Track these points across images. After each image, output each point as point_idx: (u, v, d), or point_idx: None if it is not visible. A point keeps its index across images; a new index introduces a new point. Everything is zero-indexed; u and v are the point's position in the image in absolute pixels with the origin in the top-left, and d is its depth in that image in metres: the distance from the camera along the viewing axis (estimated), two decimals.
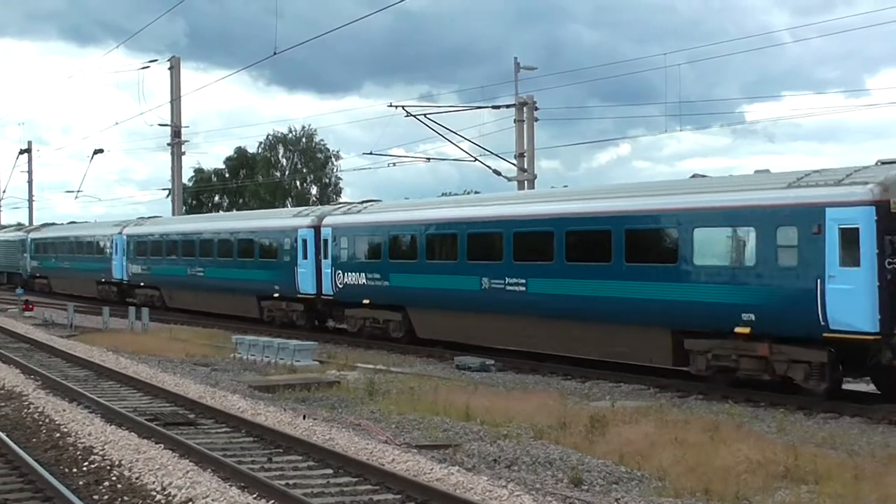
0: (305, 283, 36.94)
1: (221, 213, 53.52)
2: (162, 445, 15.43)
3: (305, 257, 36.69)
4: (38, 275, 69.86)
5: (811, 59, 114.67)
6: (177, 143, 56.12)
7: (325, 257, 35.96)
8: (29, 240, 71.59)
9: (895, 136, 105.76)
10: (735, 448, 15.60)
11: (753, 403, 21.13)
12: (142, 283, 51.64)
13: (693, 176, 26.12)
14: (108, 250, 55.91)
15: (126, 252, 52.82)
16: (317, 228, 36.50)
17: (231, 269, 42.16)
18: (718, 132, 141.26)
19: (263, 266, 39.85)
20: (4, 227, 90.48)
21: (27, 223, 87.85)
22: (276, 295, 38.97)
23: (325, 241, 36.01)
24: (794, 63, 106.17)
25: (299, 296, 37.49)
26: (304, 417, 18.32)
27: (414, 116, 41.36)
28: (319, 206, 40.40)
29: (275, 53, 23.68)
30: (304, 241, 36.85)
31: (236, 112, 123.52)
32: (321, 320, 38.56)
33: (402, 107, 41.41)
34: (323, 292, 36.04)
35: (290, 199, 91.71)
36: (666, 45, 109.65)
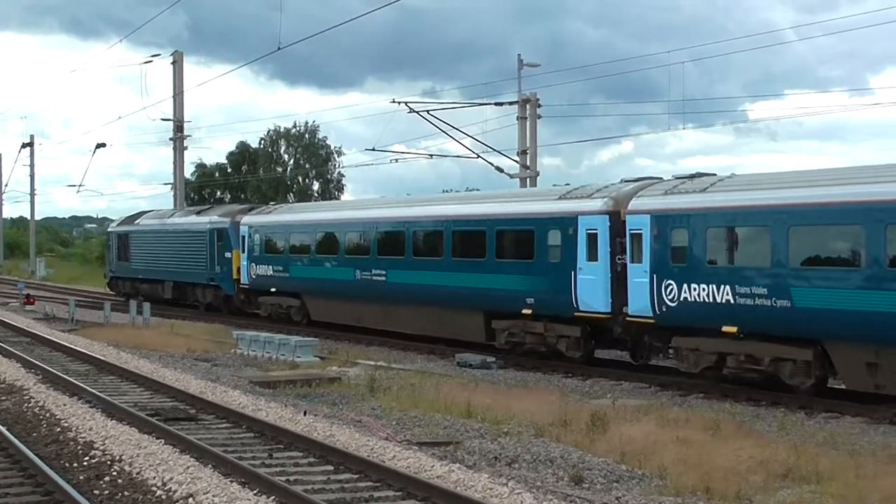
0: (590, 294, 25.65)
1: (416, 196, 38.70)
2: (163, 441, 15.43)
3: (593, 258, 25.52)
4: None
5: (815, 57, 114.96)
6: (179, 137, 56.11)
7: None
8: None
9: None
10: (736, 447, 15.61)
11: (754, 402, 21.12)
12: (272, 289, 40.03)
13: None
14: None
15: (248, 248, 41.11)
16: (616, 214, 25.22)
17: (442, 271, 30.57)
18: (721, 130, 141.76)
19: (507, 269, 28.43)
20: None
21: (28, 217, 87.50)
22: (528, 311, 27.56)
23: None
24: (797, 61, 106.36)
25: (580, 314, 25.99)
26: (304, 413, 18.32)
27: (417, 112, 41.33)
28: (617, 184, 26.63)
29: (279, 48, 23.68)
30: (589, 235, 25.70)
31: (238, 106, 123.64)
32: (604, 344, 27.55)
33: (405, 103, 41.38)
34: (634, 312, 24.37)
35: (291, 195, 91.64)
36: (668, 42, 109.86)
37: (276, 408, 19.01)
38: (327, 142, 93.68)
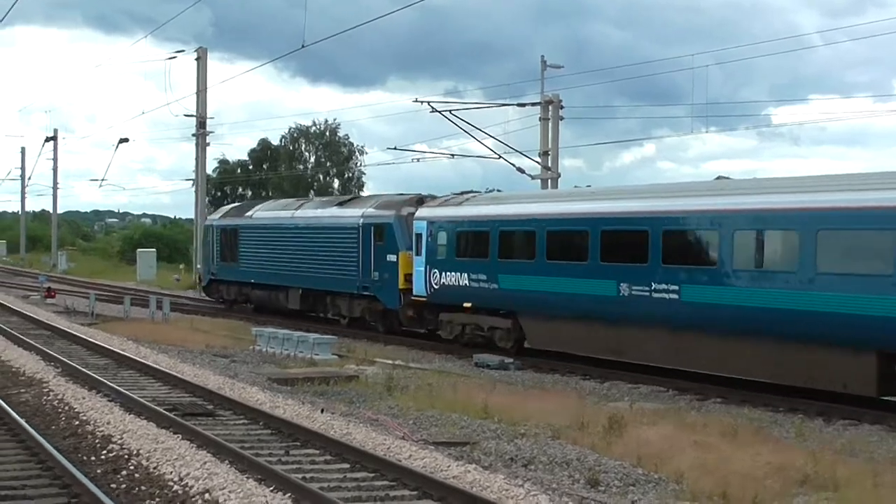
0: None
1: (734, 180, 25.75)
2: (180, 436, 15.46)
3: None
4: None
5: (840, 62, 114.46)
6: (202, 133, 56.26)
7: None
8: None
9: None
10: (753, 452, 15.57)
11: (772, 408, 21.05)
12: (466, 305, 30.79)
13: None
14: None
15: (428, 249, 32.15)
16: None
17: (803, 290, 20.70)
18: (744, 134, 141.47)
19: None
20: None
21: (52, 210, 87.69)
22: None
23: None
24: (822, 66, 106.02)
25: None
26: (322, 411, 18.34)
27: (439, 112, 41.36)
28: None
29: (303, 46, 23.65)
30: None
31: (261, 103, 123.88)
32: None
33: (428, 102, 41.41)
34: None
35: (311, 193, 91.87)
36: (692, 45, 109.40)
37: (293, 405, 19.03)
38: (349, 140, 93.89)
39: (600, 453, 15.55)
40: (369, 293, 35.13)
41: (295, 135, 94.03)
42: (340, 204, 39.15)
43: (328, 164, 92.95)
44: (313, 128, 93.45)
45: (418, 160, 49.59)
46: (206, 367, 25.48)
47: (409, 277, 32.77)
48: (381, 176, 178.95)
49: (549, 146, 43.07)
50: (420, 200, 33.96)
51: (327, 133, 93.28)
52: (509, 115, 45.12)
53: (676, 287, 23.42)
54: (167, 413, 17.40)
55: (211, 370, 24.62)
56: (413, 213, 33.22)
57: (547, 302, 27.55)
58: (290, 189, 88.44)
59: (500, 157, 43.63)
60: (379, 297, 34.62)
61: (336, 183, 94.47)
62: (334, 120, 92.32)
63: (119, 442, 14.95)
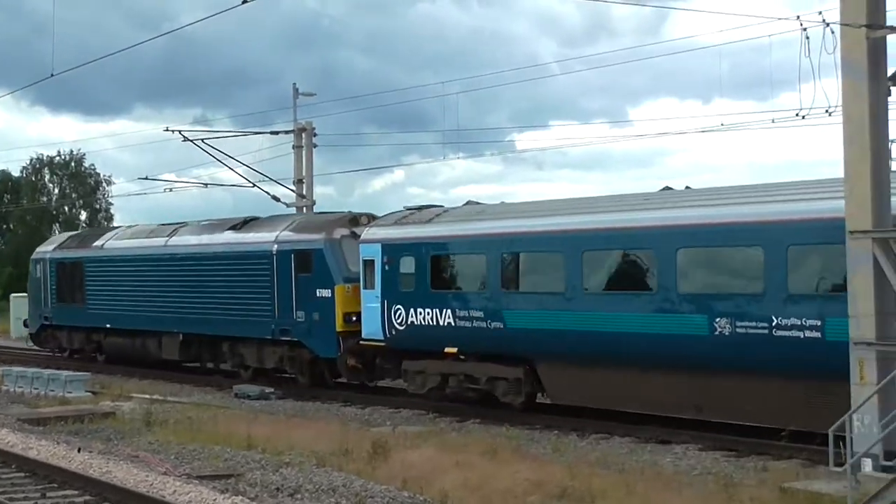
0: None
1: None
2: None
3: None
4: None
5: (577, 89, 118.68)
6: None
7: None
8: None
9: (656, 165, 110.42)
10: (514, 470, 16.02)
11: (529, 426, 21.70)
12: (448, 349, 23.98)
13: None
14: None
15: (385, 280, 25.42)
16: None
17: None
18: (490, 160, 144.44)
19: None
20: None
21: None
22: None
23: None
24: (561, 93, 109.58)
25: None
26: (78, 450, 17.76)
27: (191, 141, 40.68)
28: None
29: (52, 75, 22.86)
30: None
31: None
32: None
33: (179, 131, 40.65)
34: None
35: (57, 225, 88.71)
36: (439, 73, 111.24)
37: (47, 445, 18.36)
38: (95, 170, 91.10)
39: (366, 478, 15.65)
40: (290, 338, 28.08)
41: (37, 165, 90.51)
42: (236, 228, 31.39)
43: (74, 195, 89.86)
44: (57, 158, 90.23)
45: (170, 190, 48.57)
46: None
47: (348, 317, 26.34)
48: (129, 207, 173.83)
49: (304, 173, 43.06)
50: (354, 220, 27.89)
51: (72, 163, 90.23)
52: (261, 143, 44.68)
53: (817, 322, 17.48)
54: None
55: None
56: (347, 236, 27.30)
57: (585, 344, 21.01)
58: (34, 222, 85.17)
59: (255, 185, 43.31)
60: (306, 343, 27.66)
61: (83, 215, 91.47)
62: (79, 150, 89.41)
63: None
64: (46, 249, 40.84)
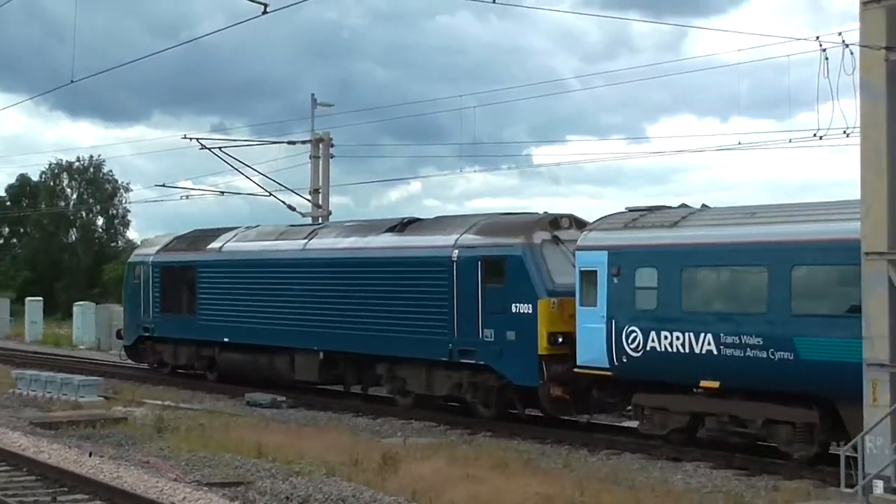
0: None
1: None
2: None
3: None
4: None
5: (595, 105, 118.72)
6: None
7: None
8: None
9: (672, 182, 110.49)
10: (524, 483, 16.00)
11: (540, 440, 21.66)
12: (708, 384, 19.50)
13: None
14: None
15: (619, 294, 21.05)
16: None
17: None
18: (507, 173, 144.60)
19: None
20: None
21: None
22: None
23: None
24: (579, 108, 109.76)
25: None
26: (90, 455, 17.83)
27: (209, 149, 40.84)
28: None
29: (72, 82, 22.99)
30: None
31: (17, 137, 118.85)
32: None
33: (197, 139, 40.82)
34: None
35: (73, 230, 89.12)
36: (457, 86, 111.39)
37: (59, 449, 18.42)
38: (113, 176, 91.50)
39: (375, 489, 15.65)
40: (473, 361, 23.74)
41: (56, 170, 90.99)
42: (395, 230, 26.93)
43: (91, 200, 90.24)
44: (76, 163, 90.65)
45: (187, 197, 48.69)
46: None
47: (553, 338, 22.16)
48: (145, 213, 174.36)
49: (320, 183, 43.15)
50: (554, 222, 23.68)
51: (91, 169, 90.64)
52: (278, 152, 44.73)
53: None
54: None
55: None
56: (548, 240, 23.22)
57: None
58: (51, 227, 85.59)
59: (271, 194, 43.43)
60: (495, 368, 23.26)
61: (100, 220, 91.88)
62: (98, 156, 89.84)
63: None
64: (148, 252, 36.01)
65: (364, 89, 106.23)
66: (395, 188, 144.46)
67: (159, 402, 26.71)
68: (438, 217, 27.34)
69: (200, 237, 34.34)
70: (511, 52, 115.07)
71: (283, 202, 42.91)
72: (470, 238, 24.26)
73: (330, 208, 41.88)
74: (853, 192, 15.08)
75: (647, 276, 20.38)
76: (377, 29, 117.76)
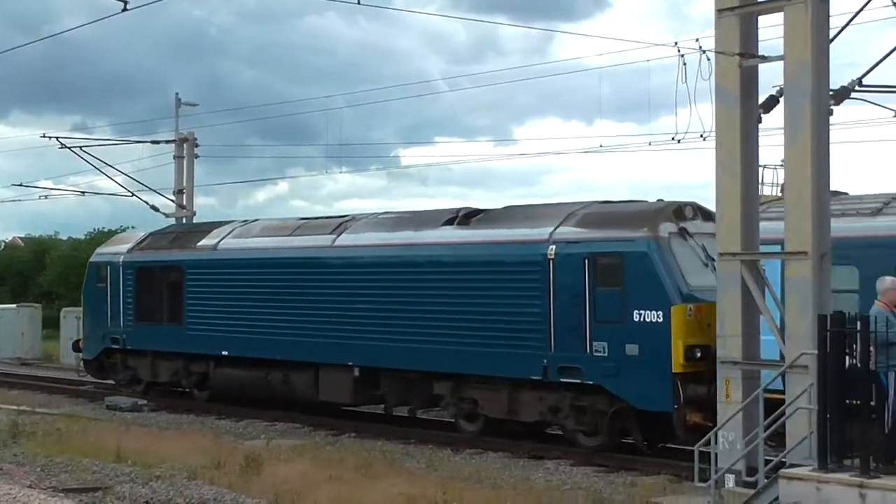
0: None
1: None
2: None
3: None
4: None
5: (463, 106, 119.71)
6: None
7: None
8: None
9: (539, 184, 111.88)
10: (388, 484, 16.05)
11: (404, 441, 21.73)
12: None
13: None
14: None
15: None
16: None
17: None
18: (375, 174, 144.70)
19: None
20: None
21: None
22: None
23: None
24: (447, 110, 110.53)
25: None
26: None
27: (69, 148, 39.89)
28: None
29: None
30: None
31: None
32: None
33: (57, 138, 39.83)
34: None
35: None
36: (325, 86, 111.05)
37: None
38: None
39: (238, 492, 15.51)
40: (578, 380, 19.33)
41: None
42: (455, 222, 22.33)
43: None
44: None
45: (46, 197, 47.48)
46: None
47: (691, 352, 17.89)
48: (2, 213, 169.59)
49: (185, 184, 42.53)
50: (678, 211, 19.48)
51: None
52: (141, 152, 43.94)
53: None
54: None
55: None
56: (675, 233, 19.15)
57: None
58: None
59: (133, 194, 42.64)
60: (609, 389, 18.96)
61: None
62: None
63: None
64: (117, 251, 30.71)
65: (232, 89, 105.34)
66: (262, 189, 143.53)
67: (14, 407, 26.01)
68: (509, 207, 22.61)
69: (186, 233, 29.96)
70: (380, 53, 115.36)
71: (146, 203, 42.20)
72: (571, 231, 19.83)
73: (195, 209, 41.31)
74: (710, 194, 15.47)
75: None
76: (245, 28, 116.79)
